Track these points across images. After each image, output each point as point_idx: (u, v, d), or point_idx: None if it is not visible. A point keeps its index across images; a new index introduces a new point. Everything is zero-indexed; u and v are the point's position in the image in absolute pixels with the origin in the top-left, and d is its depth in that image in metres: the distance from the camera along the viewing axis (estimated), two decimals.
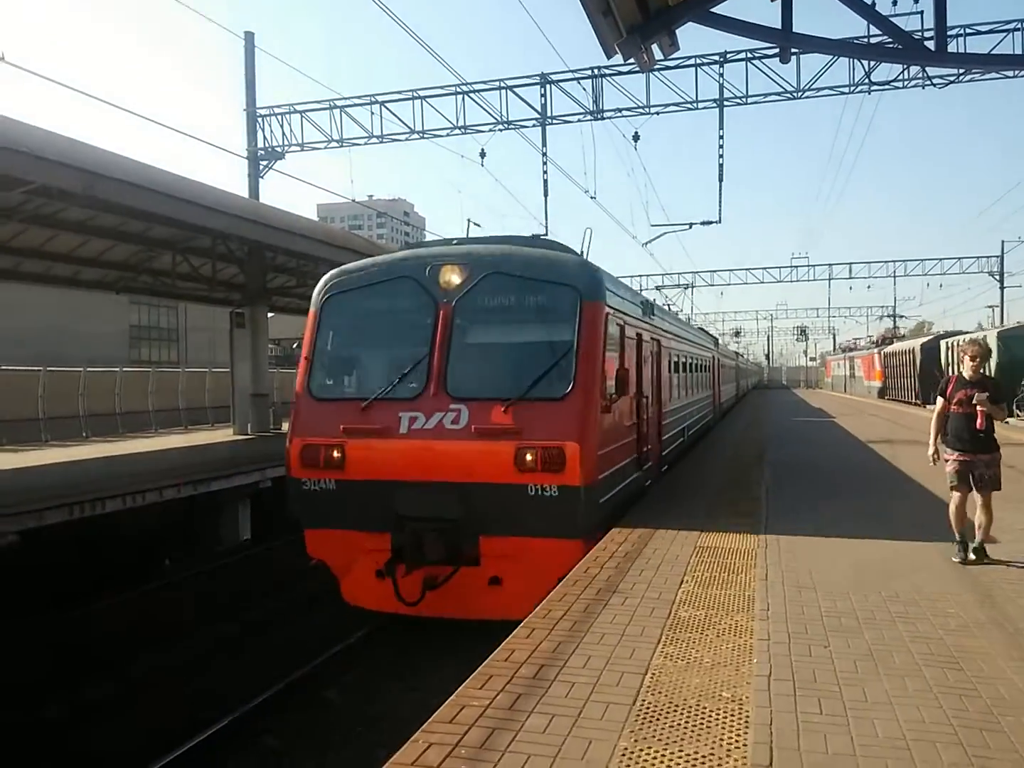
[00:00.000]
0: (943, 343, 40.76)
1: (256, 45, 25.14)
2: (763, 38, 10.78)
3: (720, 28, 10.49)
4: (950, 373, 42.54)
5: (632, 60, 11.83)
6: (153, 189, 12.77)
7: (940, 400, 8.23)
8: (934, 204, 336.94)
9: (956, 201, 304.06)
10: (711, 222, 25.44)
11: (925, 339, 48.72)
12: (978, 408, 7.75)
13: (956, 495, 8.03)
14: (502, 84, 25.40)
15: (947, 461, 8.07)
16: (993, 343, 29.74)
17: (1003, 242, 51.41)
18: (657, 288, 30.68)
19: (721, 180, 24.79)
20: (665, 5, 10.72)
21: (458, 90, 25.43)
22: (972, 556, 7.91)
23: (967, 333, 38.74)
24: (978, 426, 7.76)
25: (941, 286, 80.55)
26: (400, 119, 26.19)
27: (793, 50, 12.67)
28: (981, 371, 8.13)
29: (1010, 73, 17.81)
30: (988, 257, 51.44)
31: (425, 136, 26.35)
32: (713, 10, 10.68)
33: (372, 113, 26.05)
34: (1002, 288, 50.69)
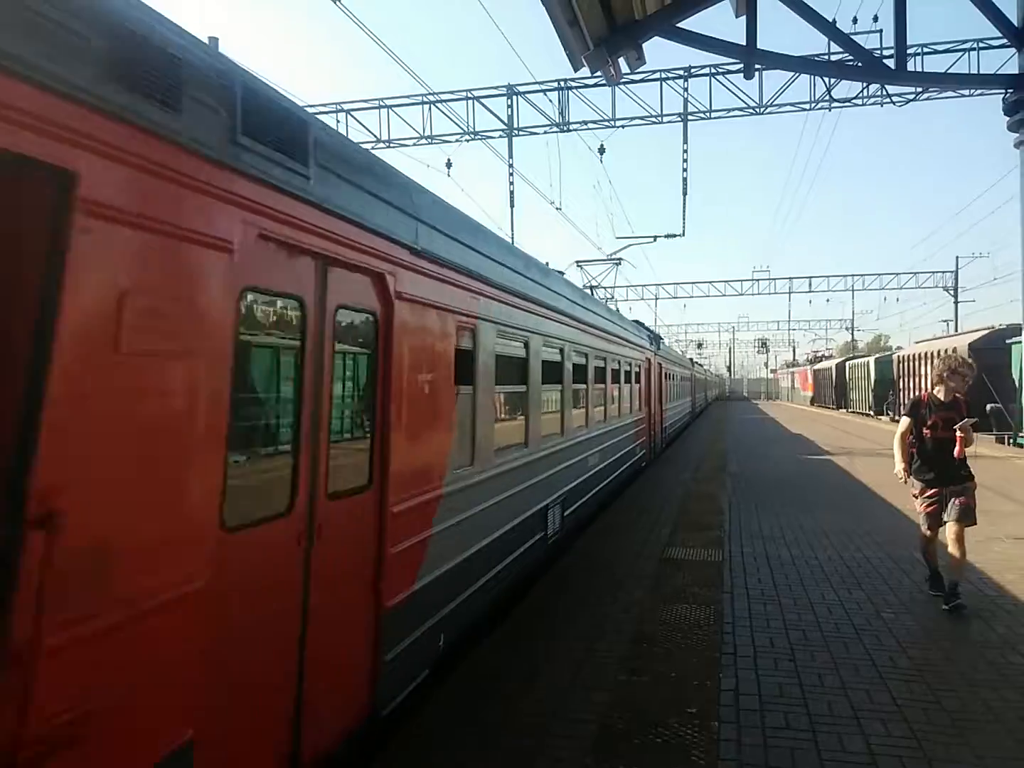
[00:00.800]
0: (847, 364, 55.01)
1: (220, 50, 24.76)
2: (728, 54, 10.95)
3: (686, 43, 10.67)
4: (848, 386, 49.67)
5: (599, 73, 11.98)
6: None
7: (906, 420, 7.22)
8: (892, 219, 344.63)
9: (913, 216, 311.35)
10: (675, 235, 25.55)
11: (839, 360, 62.87)
12: (958, 434, 6.76)
13: (927, 533, 7.15)
14: (469, 95, 25.39)
15: (915, 497, 7.18)
16: (872, 366, 38.85)
17: (957, 258, 52.60)
18: (577, 264, 22.32)
19: (685, 193, 24.96)
20: (631, 19, 10.84)
21: (424, 100, 25.38)
22: (944, 606, 6.70)
23: (863, 357, 48.06)
24: (956, 454, 6.78)
25: (898, 300, 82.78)
26: (366, 127, 26.06)
27: (757, 66, 12.80)
28: (957, 393, 7.08)
29: (966, 92, 18.23)
30: (943, 272, 52.50)
31: (391, 145, 26.21)
32: (679, 25, 10.85)
33: (337, 121, 25.83)
34: (956, 303, 51.74)
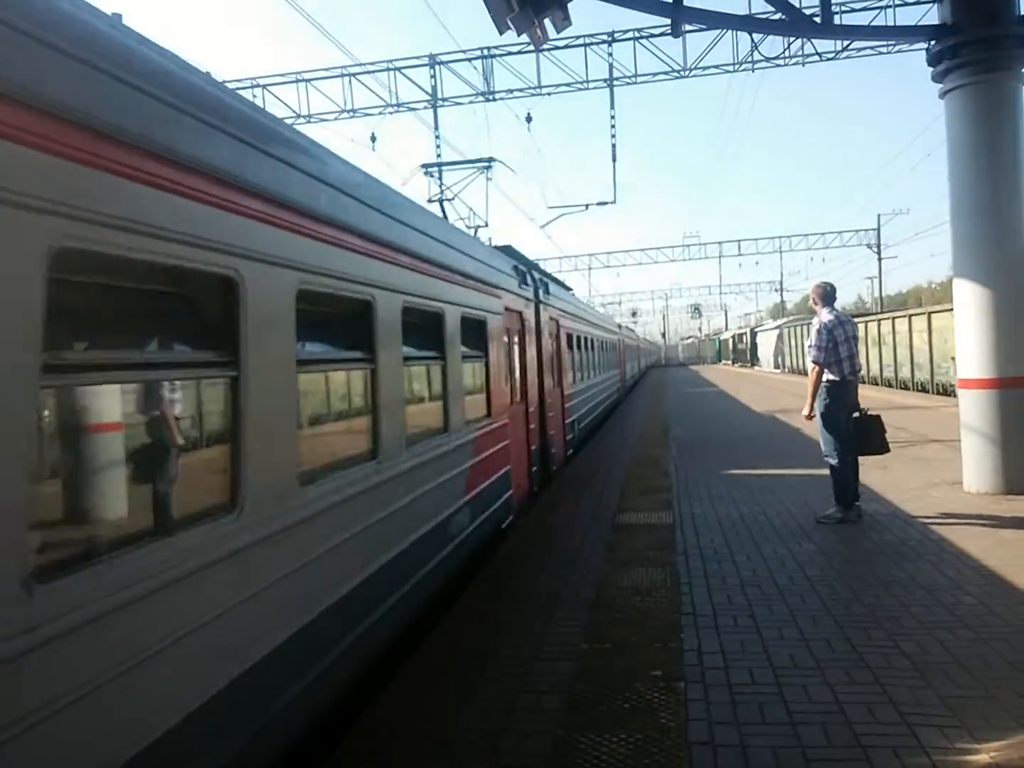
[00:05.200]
0: (720, 336, 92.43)
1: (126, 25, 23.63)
2: (655, 12, 10.80)
3: (613, 1, 10.47)
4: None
5: (525, 36, 11.73)
6: None
7: None
8: (817, 179, 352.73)
9: (837, 176, 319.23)
10: (606, 202, 25.49)
11: (718, 334, 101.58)
12: None
13: None
14: (390, 66, 24.79)
15: None
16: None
17: (879, 215, 54.35)
18: (426, 171, 20.10)
19: (615, 160, 24.87)
20: None
21: (344, 72, 24.71)
22: None
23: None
24: None
25: (824, 260, 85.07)
26: (285, 103, 25.28)
27: (686, 27, 12.70)
28: None
29: (885, 48, 18.50)
30: (866, 230, 53.90)
31: (312, 120, 25.47)
32: None
33: (254, 96, 24.96)
34: (880, 260, 53.20)
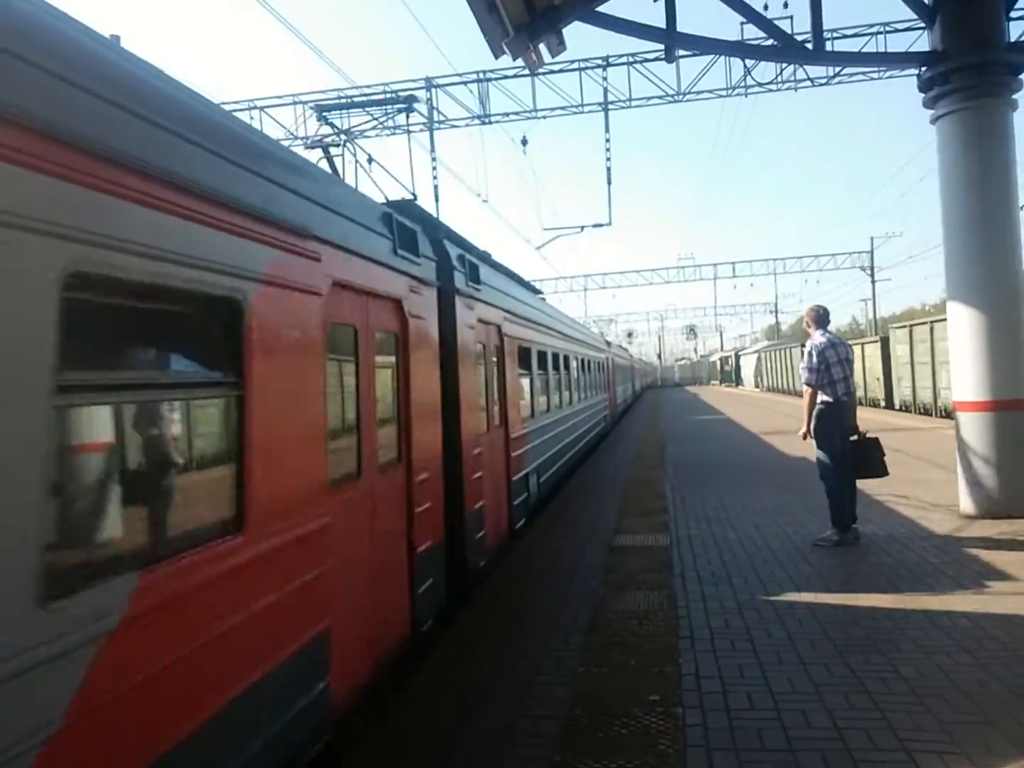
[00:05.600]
0: (709, 359, 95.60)
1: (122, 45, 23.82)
2: (649, 37, 10.92)
3: (606, 27, 10.59)
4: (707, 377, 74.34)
5: (520, 61, 11.85)
6: None
7: None
8: (809, 203, 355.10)
9: (829, 200, 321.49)
10: (602, 225, 25.60)
11: (708, 356, 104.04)
12: None
13: None
14: (387, 88, 25.02)
15: None
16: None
17: (872, 238, 54.55)
18: (319, 116, 10.30)
19: (610, 182, 24.98)
20: (551, 5, 10.72)
21: (342, 94, 24.91)
22: None
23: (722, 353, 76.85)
24: None
25: (818, 282, 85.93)
26: (281, 124, 25.47)
27: (679, 52, 12.81)
28: None
29: (875, 74, 18.69)
30: (860, 253, 54.19)
31: (307, 143, 25.71)
32: (598, 9, 10.77)
33: (251, 118, 25.16)
34: (873, 282, 53.44)
